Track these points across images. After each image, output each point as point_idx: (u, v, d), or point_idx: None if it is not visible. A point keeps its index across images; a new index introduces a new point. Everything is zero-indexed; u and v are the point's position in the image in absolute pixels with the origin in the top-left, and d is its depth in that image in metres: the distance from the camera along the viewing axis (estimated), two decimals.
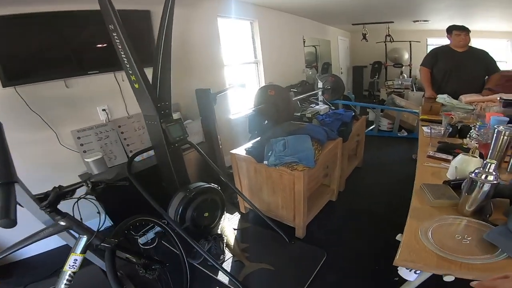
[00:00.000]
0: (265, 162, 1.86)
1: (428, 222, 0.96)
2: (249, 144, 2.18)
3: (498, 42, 6.38)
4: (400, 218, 1.01)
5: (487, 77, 2.77)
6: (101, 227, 1.17)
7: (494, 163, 0.90)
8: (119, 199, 1.76)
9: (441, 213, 1.02)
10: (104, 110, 2.29)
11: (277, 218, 2.18)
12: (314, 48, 5.80)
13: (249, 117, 2.31)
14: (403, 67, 7.00)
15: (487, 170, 0.91)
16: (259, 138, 2.20)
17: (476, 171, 0.93)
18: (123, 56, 1.63)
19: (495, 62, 2.76)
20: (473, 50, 2.74)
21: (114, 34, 1.56)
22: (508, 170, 1.31)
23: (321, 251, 1.91)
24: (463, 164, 1.19)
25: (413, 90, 6.10)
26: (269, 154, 1.85)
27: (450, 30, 2.74)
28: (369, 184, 2.87)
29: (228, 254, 1.95)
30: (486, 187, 0.91)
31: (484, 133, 1.64)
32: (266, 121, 2.19)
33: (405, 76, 6.84)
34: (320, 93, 3.74)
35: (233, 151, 2.18)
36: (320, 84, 3.71)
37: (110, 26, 1.54)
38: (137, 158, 2.28)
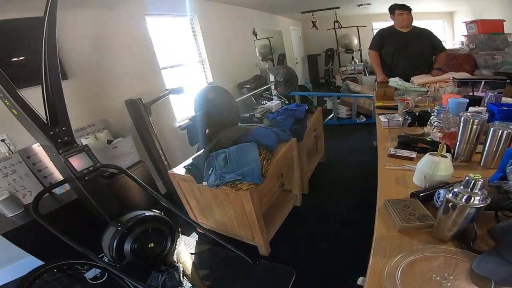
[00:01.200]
0: (204, 182, 1.54)
1: (396, 259, 0.71)
2: (190, 160, 1.84)
3: (435, 23, 6.67)
4: (370, 218, 0.84)
5: (434, 56, 2.70)
6: None
7: (480, 181, 0.65)
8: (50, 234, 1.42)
9: (412, 240, 0.78)
10: (3, 140, 1.83)
11: (236, 237, 1.90)
12: (267, 40, 5.57)
13: (187, 127, 1.96)
14: (354, 52, 7.04)
15: (469, 189, 0.66)
16: (201, 151, 1.87)
17: (456, 190, 0.68)
18: None
19: (440, 41, 2.72)
20: (417, 30, 2.66)
21: None
22: (481, 164, 1.12)
23: (289, 269, 1.68)
24: (432, 168, 0.96)
25: (365, 74, 6.12)
26: (209, 172, 1.53)
27: (393, 9, 2.62)
28: (334, 182, 2.68)
29: (187, 285, 1.66)
30: (470, 211, 0.67)
31: (445, 119, 1.47)
32: (207, 130, 1.86)
33: (357, 61, 6.90)
34: (273, 87, 3.49)
35: (171, 171, 1.83)
36: (272, 78, 3.45)
37: None
38: (59, 191, 1.92)
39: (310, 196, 2.42)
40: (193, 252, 1.93)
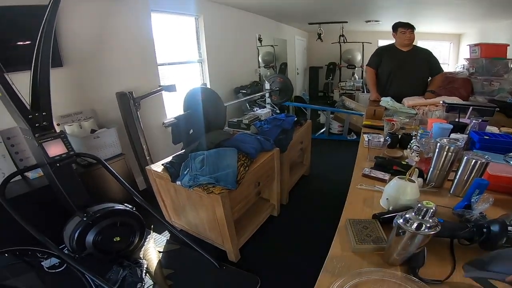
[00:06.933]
0: (178, 182, 1.52)
1: (342, 280, 0.69)
2: (169, 158, 1.82)
3: (442, 44, 6.73)
4: None
5: (430, 78, 2.66)
6: None
7: (432, 208, 0.64)
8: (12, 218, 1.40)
9: (364, 262, 0.77)
10: None
11: (207, 240, 1.88)
12: (272, 48, 5.59)
13: (171, 125, 1.95)
14: (356, 68, 7.06)
15: (420, 216, 0.65)
16: (183, 151, 1.85)
17: (407, 215, 0.67)
18: None
19: (438, 62, 2.65)
20: (416, 49, 2.61)
21: None
22: (451, 192, 1.10)
23: (254, 277, 1.66)
24: (398, 192, 0.95)
25: (363, 92, 6.09)
26: (185, 173, 1.51)
27: (396, 27, 2.58)
28: (315, 195, 2.65)
29: (148, 282, 1.63)
30: (418, 237, 0.66)
31: (426, 143, 1.46)
32: (192, 131, 1.85)
33: (357, 77, 6.89)
34: (267, 95, 3.50)
35: (149, 167, 1.81)
36: (267, 85, 3.46)
37: None
38: (32, 175, 1.88)
39: (288, 207, 2.40)
40: (162, 250, 1.89)
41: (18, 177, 1.84)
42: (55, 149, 1.45)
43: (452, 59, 6.61)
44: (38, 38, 1.43)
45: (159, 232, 2.08)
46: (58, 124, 2.03)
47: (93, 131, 2.13)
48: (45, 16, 1.43)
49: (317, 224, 2.18)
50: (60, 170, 1.49)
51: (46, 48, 1.45)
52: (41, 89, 1.46)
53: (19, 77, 1.46)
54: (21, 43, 1.85)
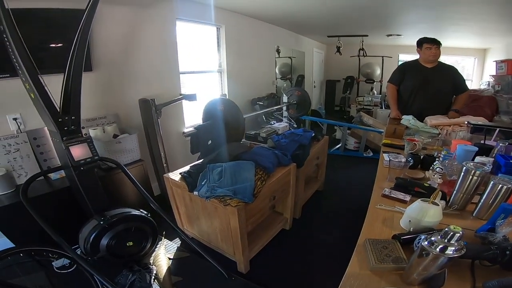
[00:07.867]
0: (195, 192, 1.54)
1: None
2: (187, 168, 1.85)
3: (466, 60, 6.54)
4: None
5: (454, 96, 2.56)
6: None
7: (459, 233, 0.64)
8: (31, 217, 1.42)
9: (381, 281, 0.76)
10: (15, 119, 1.89)
11: (218, 250, 1.88)
12: (289, 60, 5.60)
13: (191, 135, 1.98)
14: (374, 83, 6.94)
15: (446, 240, 0.65)
16: (201, 161, 1.88)
17: (433, 238, 0.66)
18: (14, 60, 1.36)
19: (464, 80, 2.55)
20: (442, 66, 2.52)
21: (4, 36, 1.30)
22: (474, 215, 1.08)
23: None
24: (420, 214, 0.93)
25: (382, 108, 5.95)
26: (203, 183, 1.53)
27: (421, 43, 2.49)
28: (328, 211, 2.61)
29: None
30: (442, 259, 0.65)
31: (449, 165, 1.42)
32: (210, 141, 1.88)
33: (375, 92, 6.73)
34: (284, 108, 3.51)
35: (167, 175, 1.84)
36: (285, 98, 3.47)
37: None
38: (54, 176, 1.93)
39: (301, 221, 2.37)
40: (172, 257, 1.90)
41: (40, 177, 1.89)
42: (80, 152, 1.50)
43: (477, 75, 6.38)
44: (74, 42, 1.46)
45: (170, 239, 2.09)
46: (83, 127, 2.10)
47: (115, 136, 2.19)
48: (82, 21, 1.46)
49: (328, 240, 2.15)
50: (83, 173, 1.54)
51: (81, 52, 1.49)
52: (72, 93, 1.50)
53: (50, 79, 1.49)
54: (54, 45, 1.91)
